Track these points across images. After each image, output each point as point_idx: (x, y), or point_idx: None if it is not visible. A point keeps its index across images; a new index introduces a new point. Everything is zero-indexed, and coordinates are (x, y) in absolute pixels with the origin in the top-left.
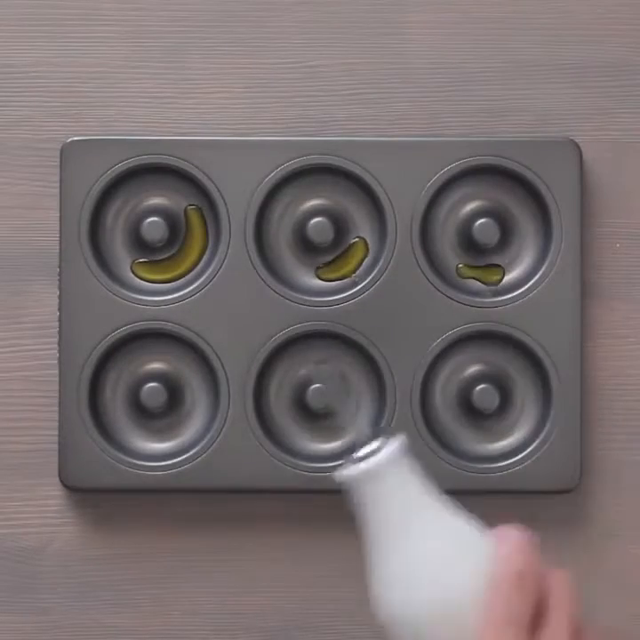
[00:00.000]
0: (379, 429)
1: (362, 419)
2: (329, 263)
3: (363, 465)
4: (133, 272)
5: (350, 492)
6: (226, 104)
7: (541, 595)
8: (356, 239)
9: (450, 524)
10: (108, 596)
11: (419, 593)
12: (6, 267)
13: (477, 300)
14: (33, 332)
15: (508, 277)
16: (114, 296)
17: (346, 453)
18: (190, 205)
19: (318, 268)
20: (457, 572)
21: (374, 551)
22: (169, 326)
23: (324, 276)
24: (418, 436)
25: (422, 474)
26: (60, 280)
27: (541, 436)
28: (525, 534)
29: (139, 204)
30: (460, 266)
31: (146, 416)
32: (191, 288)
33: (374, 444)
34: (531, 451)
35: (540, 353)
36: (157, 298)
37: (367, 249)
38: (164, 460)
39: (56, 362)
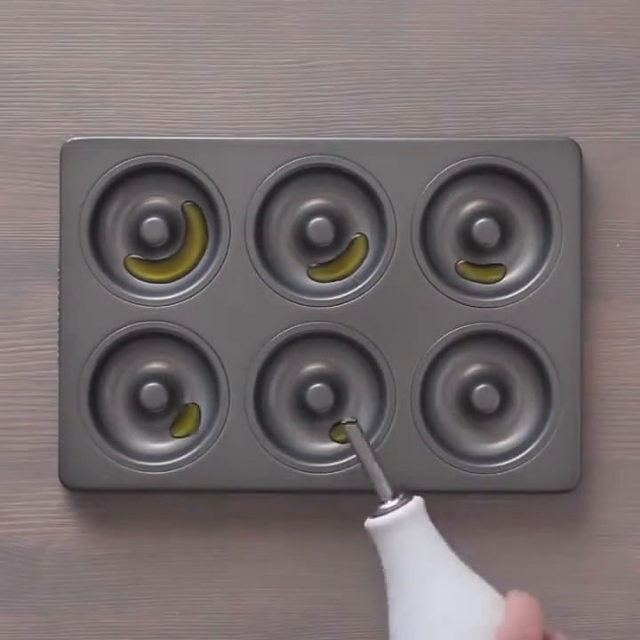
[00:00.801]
0: (400, 488)
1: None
2: (328, 263)
3: (386, 517)
4: (127, 268)
5: (375, 542)
6: (226, 104)
7: None
8: (357, 235)
9: (463, 580)
10: (108, 596)
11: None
12: (6, 267)
13: (477, 299)
14: (33, 331)
15: (509, 277)
16: (114, 296)
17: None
18: (187, 202)
19: (311, 267)
20: (467, 627)
21: (393, 598)
22: (169, 326)
23: (316, 277)
24: (418, 435)
25: (438, 534)
26: (60, 280)
27: (541, 435)
28: (533, 599)
29: (138, 203)
30: (460, 265)
31: (146, 416)
32: (191, 288)
33: (396, 501)
34: (531, 451)
35: (540, 353)
36: (157, 298)
37: (367, 246)
38: (164, 460)
39: (56, 362)
